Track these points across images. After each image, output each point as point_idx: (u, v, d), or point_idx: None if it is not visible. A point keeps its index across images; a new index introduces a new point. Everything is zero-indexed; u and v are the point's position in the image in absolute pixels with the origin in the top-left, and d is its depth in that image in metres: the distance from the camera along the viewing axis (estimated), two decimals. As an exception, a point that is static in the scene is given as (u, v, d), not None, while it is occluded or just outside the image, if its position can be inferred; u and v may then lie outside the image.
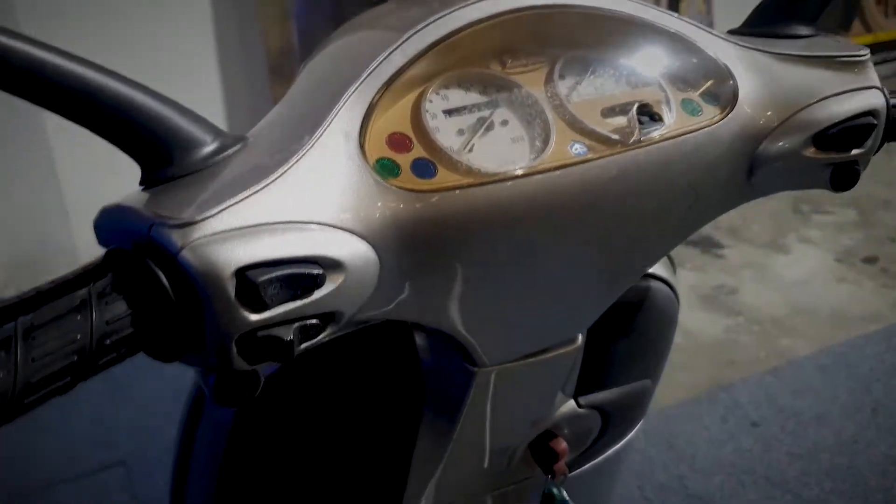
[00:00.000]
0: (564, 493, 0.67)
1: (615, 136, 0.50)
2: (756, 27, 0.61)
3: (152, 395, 1.94)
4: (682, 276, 2.47)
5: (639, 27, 0.53)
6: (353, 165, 0.43)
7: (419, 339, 0.58)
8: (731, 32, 0.61)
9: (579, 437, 0.69)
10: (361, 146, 0.44)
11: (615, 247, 0.54)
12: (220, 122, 2.09)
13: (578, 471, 0.73)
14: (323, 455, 0.63)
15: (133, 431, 1.88)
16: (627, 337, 0.68)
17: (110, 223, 0.41)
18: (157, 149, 0.41)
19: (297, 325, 0.40)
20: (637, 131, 0.50)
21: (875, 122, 0.56)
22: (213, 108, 2.51)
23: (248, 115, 2.57)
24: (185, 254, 0.37)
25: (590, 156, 0.49)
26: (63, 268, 0.39)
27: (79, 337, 0.35)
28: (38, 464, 1.78)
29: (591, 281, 0.55)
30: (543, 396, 0.63)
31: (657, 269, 0.68)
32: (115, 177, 0.92)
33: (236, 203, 0.39)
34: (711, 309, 2.37)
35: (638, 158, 0.50)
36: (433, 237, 0.45)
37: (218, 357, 0.40)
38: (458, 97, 0.49)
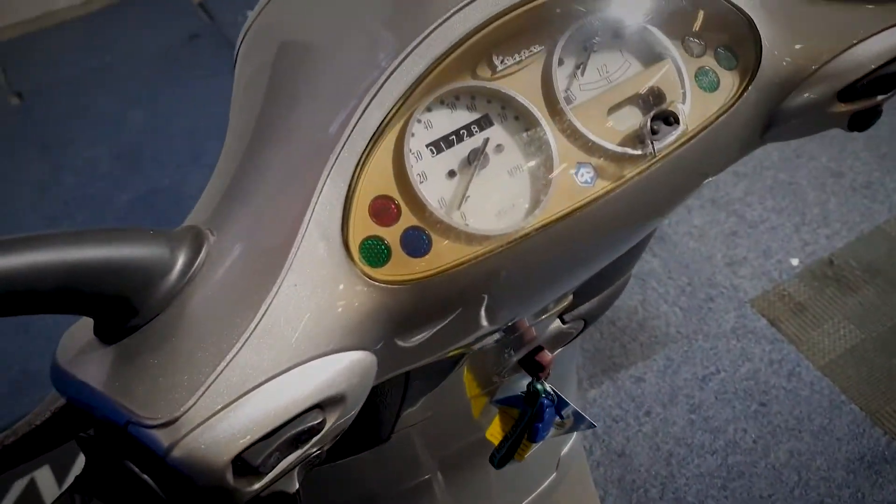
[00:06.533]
0: (547, 386, 0.68)
1: (626, 151, 0.43)
2: None
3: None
4: None
5: None
6: (339, 273, 0.37)
7: None
8: None
9: (560, 342, 0.68)
10: (345, 243, 0.38)
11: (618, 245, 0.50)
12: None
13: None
14: None
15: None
16: None
17: (72, 390, 0.36)
18: (114, 303, 0.34)
19: (299, 467, 0.38)
20: (650, 144, 0.43)
21: None
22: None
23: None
24: (175, 455, 0.33)
25: (598, 190, 0.42)
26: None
27: None
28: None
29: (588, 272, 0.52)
30: None
31: None
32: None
33: (217, 377, 0.34)
34: None
35: (650, 179, 0.43)
36: (430, 315, 0.41)
37: None
38: (443, 120, 0.41)
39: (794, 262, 1.80)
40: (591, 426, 0.75)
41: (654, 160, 0.43)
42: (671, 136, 0.43)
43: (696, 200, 1.93)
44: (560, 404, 0.69)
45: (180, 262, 0.35)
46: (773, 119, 0.47)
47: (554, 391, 0.67)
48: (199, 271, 0.36)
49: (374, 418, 0.62)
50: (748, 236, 1.85)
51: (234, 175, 0.40)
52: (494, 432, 0.74)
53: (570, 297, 0.57)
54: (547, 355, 0.63)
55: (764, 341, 1.66)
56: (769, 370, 1.61)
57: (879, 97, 0.46)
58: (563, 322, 0.62)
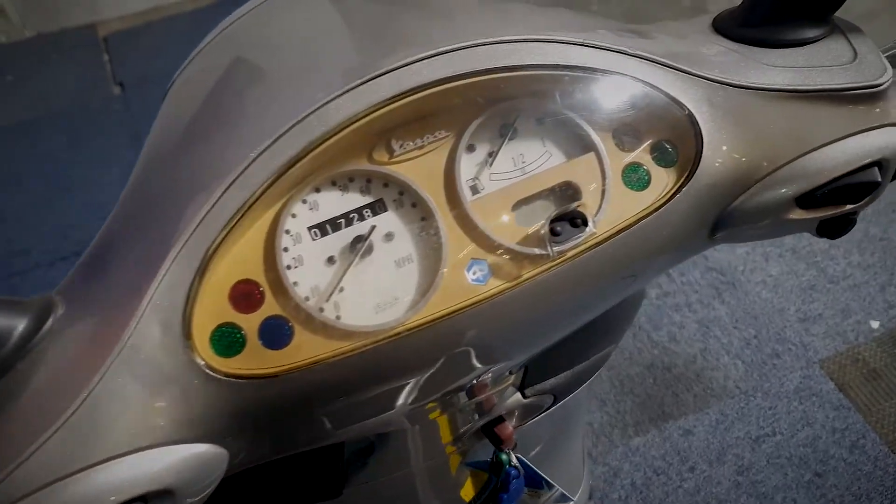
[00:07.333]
0: (513, 456, 0.64)
1: (526, 251, 0.39)
2: (746, 24, 0.43)
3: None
4: None
5: (570, 71, 0.40)
6: (175, 362, 0.35)
7: None
8: (717, 26, 0.44)
9: (530, 414, 0.62)
10: (186, 331, 0.35)
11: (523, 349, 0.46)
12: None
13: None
14: None
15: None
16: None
17: None
18: None
19: None
20: (549, 246, 0.39)
21: (879, 179, 0.39)
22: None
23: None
24: None
25: (490, 290, 0.39)
26: None
27: None
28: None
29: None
30: None
31: None
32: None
33: (21, 464, 0.32)
34: None
35: (553, 281, 0.39)
36: (286, 411, 0.38)
37: None
38: (332, 203, 0.38)
39: (875, 324, 1.67)
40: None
41: (555, 262, 0.39)
42: (576, 239, 0.39)
43: (775, 248, 1.82)
44: (531, 475, 0.65)
45: (17, 334, 0.34)
46: (721, 221, 0.42)
47: (522, 463, 0.63)
48: (38, 345, 0.34)
49: (317, 475, 0.60)
50: (827, 292, 1.73)
51: (100, 242, 0.38)
52: (467, 493, 0.71)
53: (511, 376, 0.53)
54: (507, 428, 0.59)
55: (829, 406, 1.55)
56: (830, 438, 1.50)
57: (848, 206, 0.41)
58: (525, 396, 0.58)
